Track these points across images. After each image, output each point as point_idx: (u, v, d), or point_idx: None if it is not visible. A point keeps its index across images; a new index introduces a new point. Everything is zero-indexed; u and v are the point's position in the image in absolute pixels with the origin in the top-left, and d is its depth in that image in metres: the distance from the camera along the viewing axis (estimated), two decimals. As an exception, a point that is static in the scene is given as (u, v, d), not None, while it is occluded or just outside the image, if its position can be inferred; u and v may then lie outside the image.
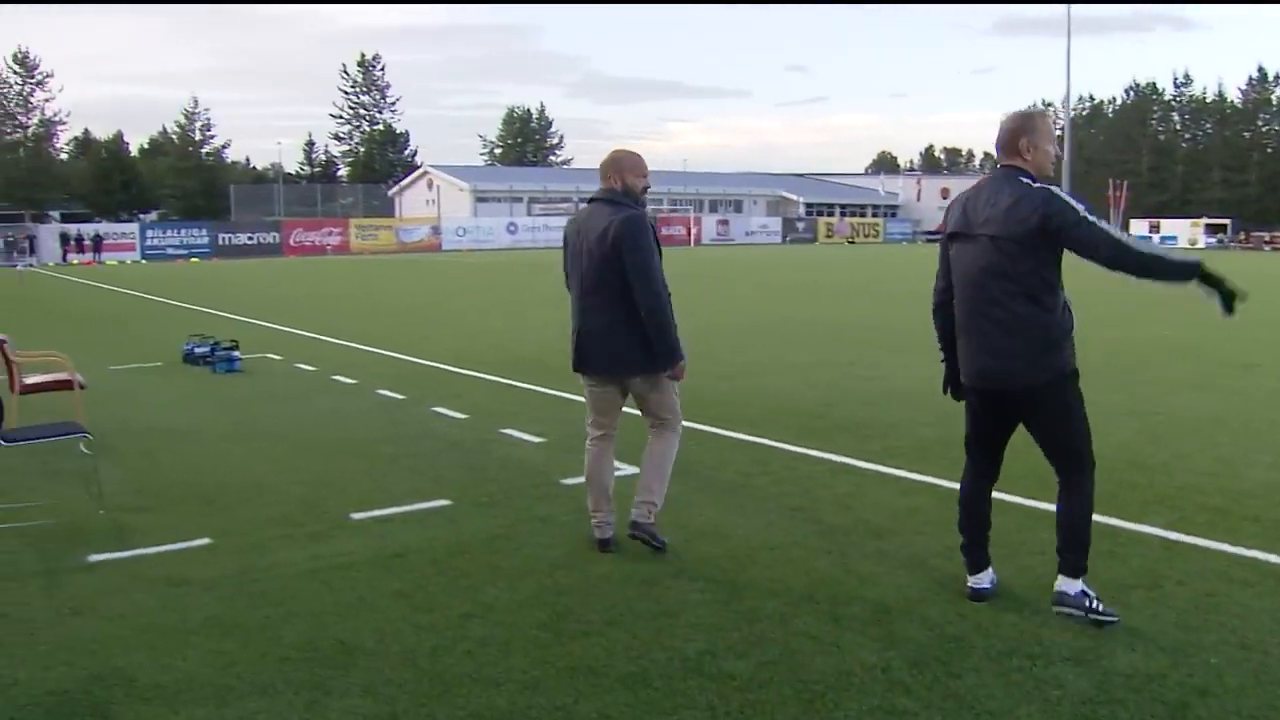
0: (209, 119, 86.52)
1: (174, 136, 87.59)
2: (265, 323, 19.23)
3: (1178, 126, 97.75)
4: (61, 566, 5.66)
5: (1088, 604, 4.71)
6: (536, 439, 8.54)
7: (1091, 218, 4.59)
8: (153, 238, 58.82)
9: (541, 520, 6.34)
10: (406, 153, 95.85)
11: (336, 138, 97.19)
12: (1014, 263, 4.60)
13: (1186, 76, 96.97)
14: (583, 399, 6.11)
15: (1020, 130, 4.76)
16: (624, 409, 5.99)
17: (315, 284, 32.37)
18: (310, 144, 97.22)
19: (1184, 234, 70.19)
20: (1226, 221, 71.54)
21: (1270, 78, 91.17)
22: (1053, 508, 6.30)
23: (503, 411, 9.85)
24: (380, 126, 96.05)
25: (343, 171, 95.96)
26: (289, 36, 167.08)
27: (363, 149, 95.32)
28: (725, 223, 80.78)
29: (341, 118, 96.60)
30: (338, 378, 12.20)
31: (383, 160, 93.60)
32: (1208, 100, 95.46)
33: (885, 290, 25.85)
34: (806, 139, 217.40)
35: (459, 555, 5.73)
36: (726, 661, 4.33)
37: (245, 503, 6.84)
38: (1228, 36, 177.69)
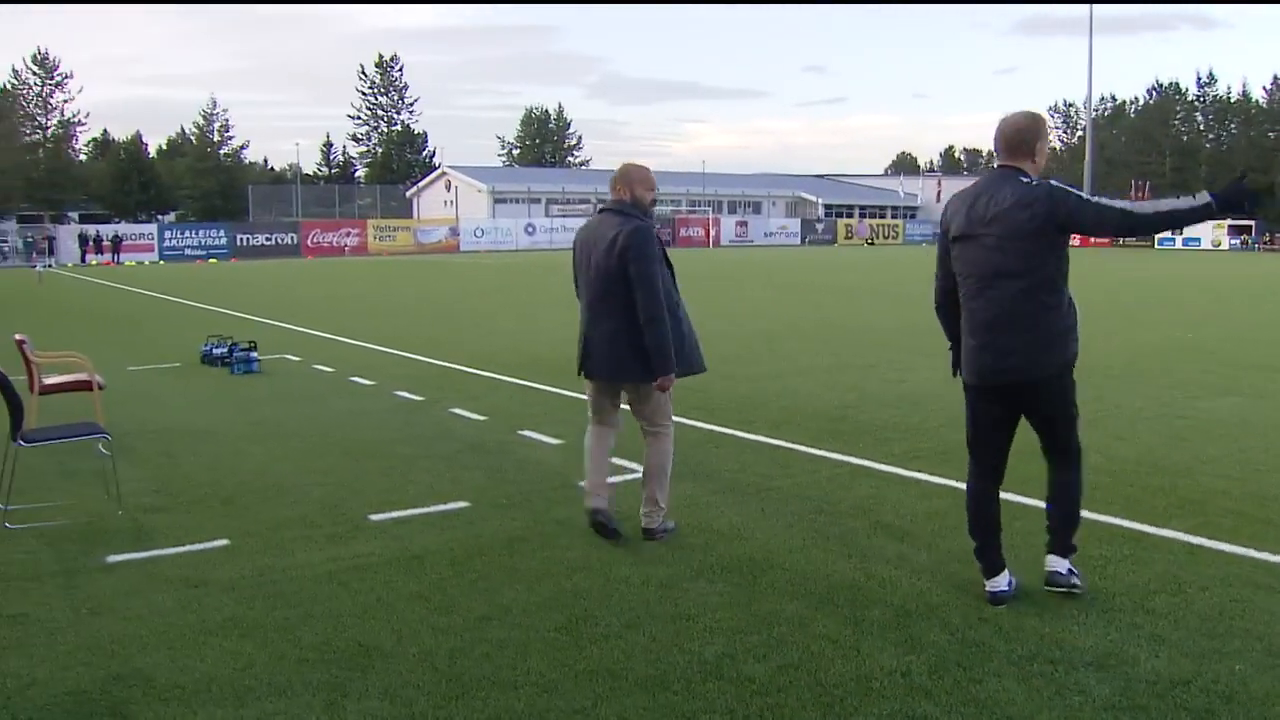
0: (227, 120, 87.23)
1: (192, 137, 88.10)
2: (283, 324, 19.29)
3: (1201, 127, 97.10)
4: (80, 567, 5.67)
5: (1074, 581, 4.96)
6: (555, 441, 8.53)
7: (1094, 198, 4.73)
8: (171, 238, 59.21)
9: (560, 522, 6.33)
10: (425, 154, 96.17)
11: (354, 138, 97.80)
12: (1024, 261, 4.68)
13: (1210, 76, 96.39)
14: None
15: (1036, 133, 4.88)
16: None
17: (333, 285, 32.48)
18: (328, 145, 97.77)
19: (1208, 235, 69.70)
20: (1251, 223, 70.99)
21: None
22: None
23: (521, 413, 9.84)
24: (398, 127, 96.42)
25: (360, 172, 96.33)
26: (307, 37, 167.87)
27: (380, 150, 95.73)
28: (744, 224, 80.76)
29: (359, 118, 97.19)
30: (356, 379, 12.21)
31: (401, 161, 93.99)
32: (1232, 100, 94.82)
33: (906, 292, 25.75)
34: (825, 140, 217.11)
35: (477, 557, 5.72)
36: (746, 665, 4.31)
37: (264, 504, 6.85)
38: (1252, 36, 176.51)
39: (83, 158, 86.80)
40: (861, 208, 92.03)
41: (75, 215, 75.47)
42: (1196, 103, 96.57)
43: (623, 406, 6.14)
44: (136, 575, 5.50)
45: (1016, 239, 4.67)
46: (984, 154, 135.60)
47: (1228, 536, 5.83)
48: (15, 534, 6.25)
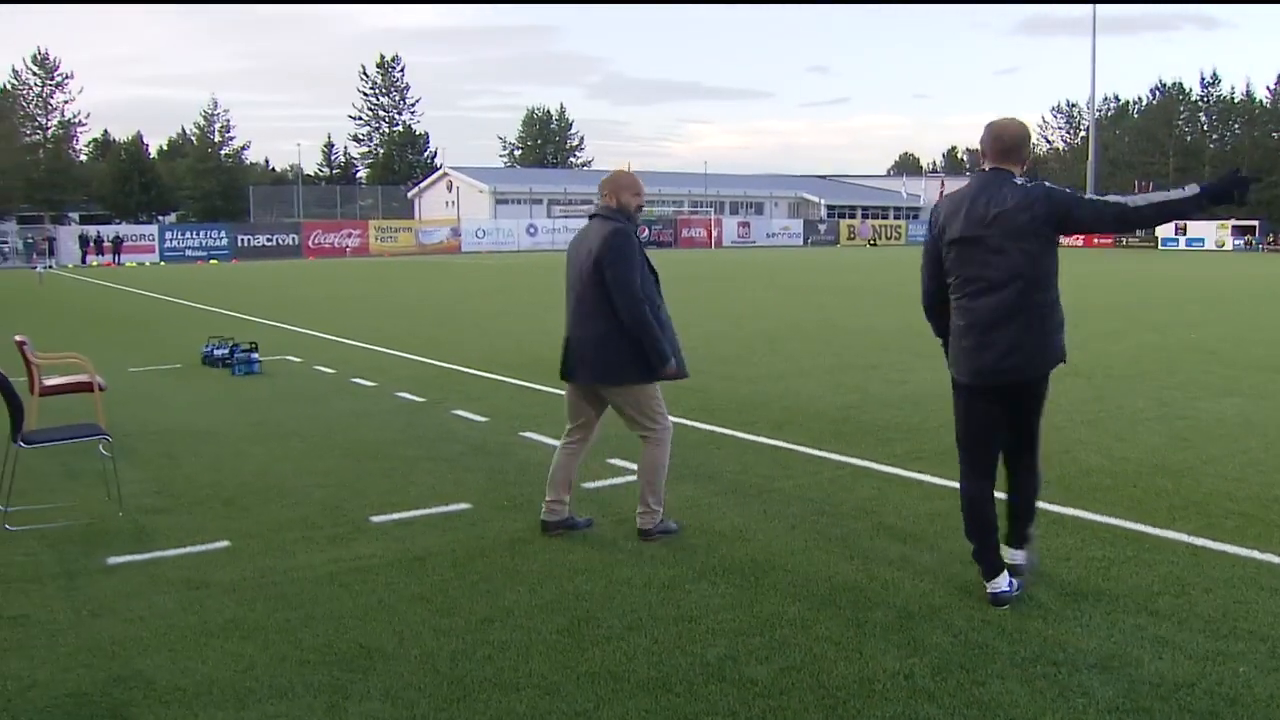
0: (228, 120, 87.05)
1: (193, 138, 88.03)
2: (285, 325, 19.29)
3: (1204, 127, 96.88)
4: (81, 568, 5.67)
5: (1032, 565, 5.21)
6: (557, 442, 8.43)
7: (1088, 196, 4.93)
8: (172, 239, 59.20)
9: (562, 524, 6.31)
10: (426, 154, 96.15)
11: (356, 139, 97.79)
12: (1026, 261, 4.78)
13: (1214, 76, 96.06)
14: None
15: (1028, 140, 5.07)
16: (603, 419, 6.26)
17: (335, 286, 32.48)
18: (330, 145, 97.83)
19: (1211, 236, 69.56)
20: (1255, 223, 70.86)
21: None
22: (1081, 514, 6.37)
23: (523, 414, 9.83)
24: (400, 128, 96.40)
25: (362, 173, 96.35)
26: (308, 37, 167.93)
27: (382, 150, 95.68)
28: (746, 225, 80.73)
29: (361, 119, 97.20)
30: (357, 380, 12.21)
31: (402, 162, 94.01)
32: (1235, 100, 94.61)
33: (908, 293, 25.63)
34: (828, 140, 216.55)
35: (479, 559, 5.72)
36: (748, 667, 4.30)
37: (265, 505, 6.84)
38: (1256, 36, 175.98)
39: (83, 158, 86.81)
40: (864, 208, 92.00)
41: (76, 216, 75.47)
42: (1200, 103, 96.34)
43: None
44: (137, 577, 5.50)
45: (1019, 239, 4.75)
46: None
47: (1231, 538, 5.82)
48: (16, 535, 6.24)
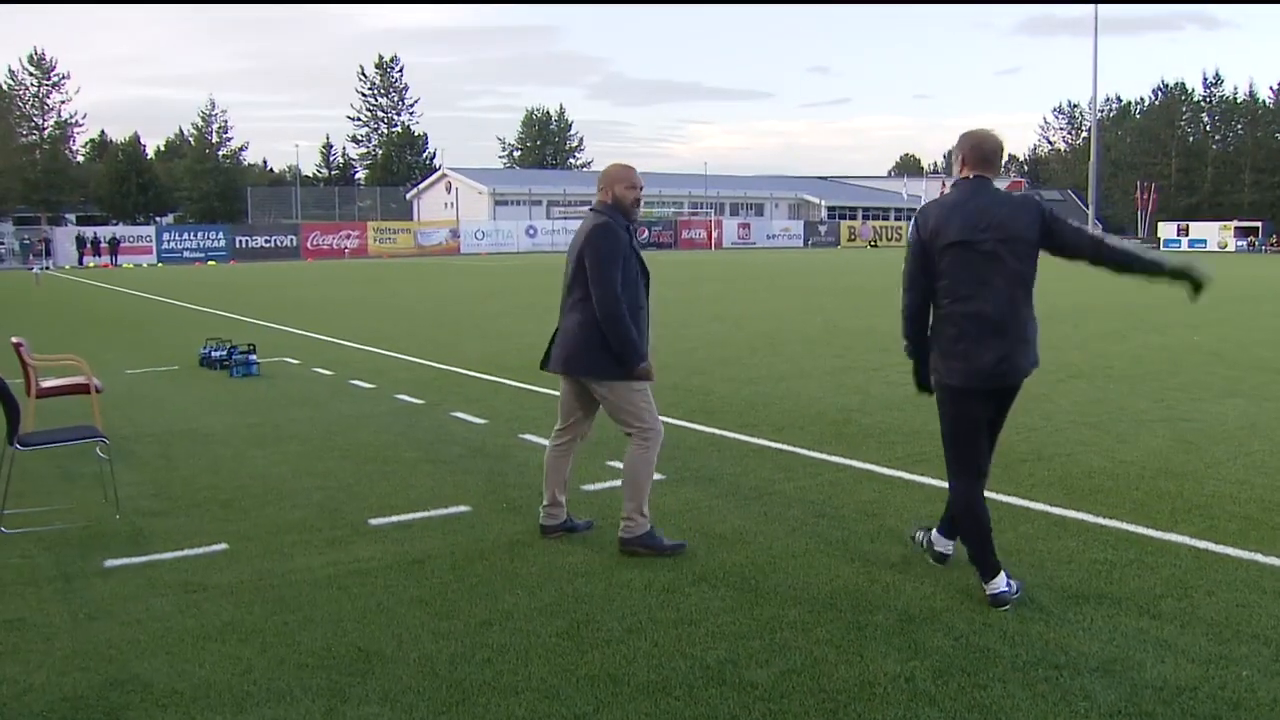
0: (226, 121, 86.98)
1: (191, 139, 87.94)
2: (283, 326, 19.27)
3: (1207, 128, 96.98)
4: (78, 571, 5.64)
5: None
6: (549, 444, 8.46)
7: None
8: (169, 240, 59.17)
9: (561, 526, 6.29)
10: (425, 155, 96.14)
11: (354, 140, 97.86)
12: (1020, 266, 4.92)
13: (1216, 76, 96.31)
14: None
15: (1004, 149, 5.22)
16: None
17: (333, 287, 32.46)
18: (328, 146, 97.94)
19: (1214, 237, 69.57)
20: (1258, 225, 70.91)
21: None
22: (1083, 516, 6.40)
23: (522, 416, 9.81)
24: (398, 129, 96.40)
25: (360, 174, 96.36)
26: (307, 38, 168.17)
27: (381, 151, 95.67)
28: (746, 226, 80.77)
29: (359, 120, 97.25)
30: (356, 382, 12.18)
31: (401, 163, 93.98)
32: (1238, 101, 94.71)
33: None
34: (830, 141, 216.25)
35: (478, 561, 5.70)
36: (748, 670, 4.29)
37: (263, 507, 6.81)
38: (1259, 36, 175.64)
39: (80, 159, 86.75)
40: (865, 209, 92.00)
41: (73, 217, 75.41)
42: (1203, 103, 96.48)
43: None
44: (135, 580, 5.47)
45: (1014, 244, 4.88)
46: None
47: (1235, 541, 5.80)
48: (12, 538, 6.21)
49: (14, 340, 8.51)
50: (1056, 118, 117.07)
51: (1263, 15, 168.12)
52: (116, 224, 65.40)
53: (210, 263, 56.03)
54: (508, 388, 11.66)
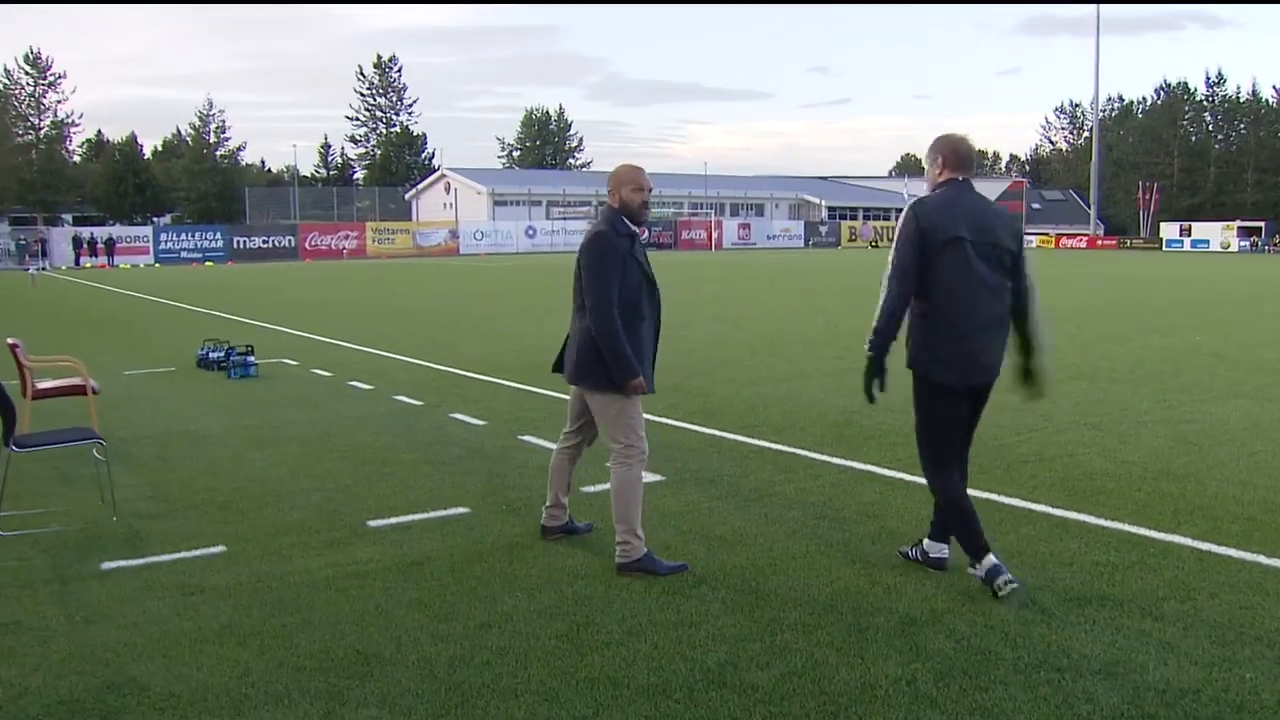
0: (224, 121, 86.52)
1: (189, 138, 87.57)
2: (281, 327, 19.25)
3: (1210, 127, 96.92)
4: (75, 574, 5.62)
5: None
6: (556, 446, 8.44)
7: None
8: (167, 241, 59.01)
9: (560, 528, 6.26)
10: (424, 155, 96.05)
11: (353, 140, 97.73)
12: (1006, 269, 5.12)
13: (1219, 76, 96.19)
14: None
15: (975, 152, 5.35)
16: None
17: (331, 288, 32.44)
18: (326, 146, 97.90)
19: (1216, 237, 69.50)
20: (1261, 225, 70.86)
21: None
22: (1085, 518, 6.39)
23: (522, 418, 9.79)
24: (397, 129, 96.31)
25: (359, 174, 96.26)
26: (305, 38, 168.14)
27: (379, 151, 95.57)
28: (747, 227, 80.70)
29: (358, 120, 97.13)
30: (354, 383, 12.16)
31: (399, 163, 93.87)
32: (1241, 100, 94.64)
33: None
34: (830, 141, 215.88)
35: (477, 563, 5.67)
36: (749, 673, 4.26)
37: (261, 509, 6.79)
38: (1261, 35, 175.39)
39: (77, 159, 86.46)
40: (865, 210, 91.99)
41: (69, 218, 75.25)
42: (1205, 103, 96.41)
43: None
44: (132, 582, 5.45)
45: (1004, 248, 5.09)
46: (988, 155, 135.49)
47: (1238, 543, 5.79)
48: (8, 540, 6.19)
49: (10, 341, 8.47)
50: (1058, 117, 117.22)
51: (1265, 15, 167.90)
52: (113, 224, 65.24)
53: (208, 263, 55.97)
54: (507, 389, 11.64)
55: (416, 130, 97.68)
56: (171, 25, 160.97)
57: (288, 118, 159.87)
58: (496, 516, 6.57)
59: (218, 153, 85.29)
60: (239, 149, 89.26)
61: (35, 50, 79.35)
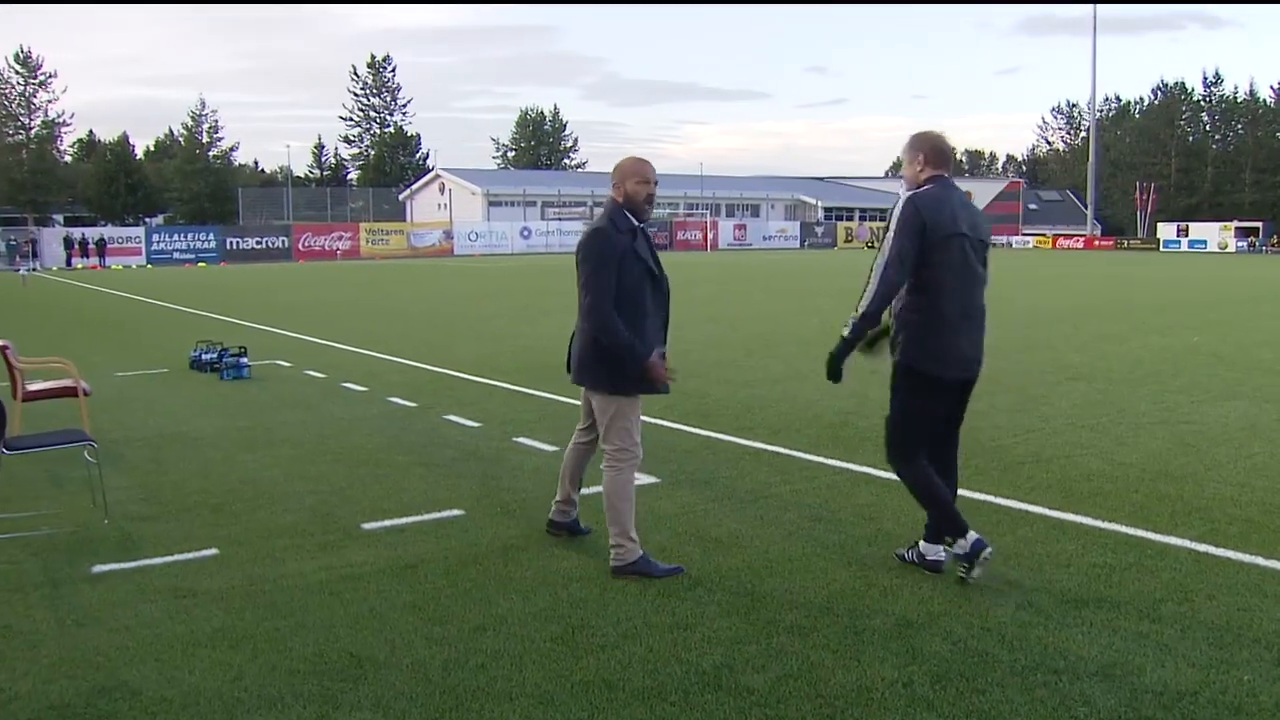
0: (217, 121, 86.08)
1: (181, 139, 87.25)
2: (274, 329, 19.20)
3: (1207, 127, 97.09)
4: (66, 577, 5.58)
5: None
6: (550, 448, 8.44)
7: None
8: (159, 242, 58.91)
9: (555, 530, 6.23)
10: (418, 156, 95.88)
11: (346, 140, 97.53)
12: (986, 267, 5.30)
13: (1217, 76, 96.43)
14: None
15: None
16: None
17: (325, 289, 32.39)
18: (320, 147, 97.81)
19: (1214, 238, 69.62)
20: (1259, 225, 70.99)
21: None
22: (1082, 519, 6.40)
23: (516, 420, 9.76)
24: (391, 129, 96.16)
25: (353, 175, 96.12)
26: (300, 37, 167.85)
27: (373, 152, 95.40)
28: (743, 227, 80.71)
29: (352, 120, 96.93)
30: (348, 385, 12.13)
31: (393, 163, 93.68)
32: (1239, 100, 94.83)
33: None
34: (827, 142, 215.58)
35: (472, 566, 5.65)
36: (745, 675, 4.25)
37: (254, 512, 6.75)
38: (1260, 35, 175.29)
39: (68, 159, 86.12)
40: (861, 210, 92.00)
41: (60, 218, 74.96)
42: (1202, 103, 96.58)
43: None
44: (124, 585, 5.41)
45: (982, 246, 5.25)
46: (985, 156, 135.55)
47: (1235, 544, 5.77)
48: None
49: (0, 343, 8.44)
50: (1055, 117, 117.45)
51: (1264, 15, 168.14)
52: (105, 225, 65.02)
53: (200, 264, 55.90)
54: (501, 390, 11.61)
55: (411, 130, 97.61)
56: (165, 25, 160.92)
57: (281, 118, 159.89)
58: (491, 519, 6.54)
59: (210, 153, 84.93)
60: (232, 149, 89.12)
61: (25, 49, 79.15)
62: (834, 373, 5.26)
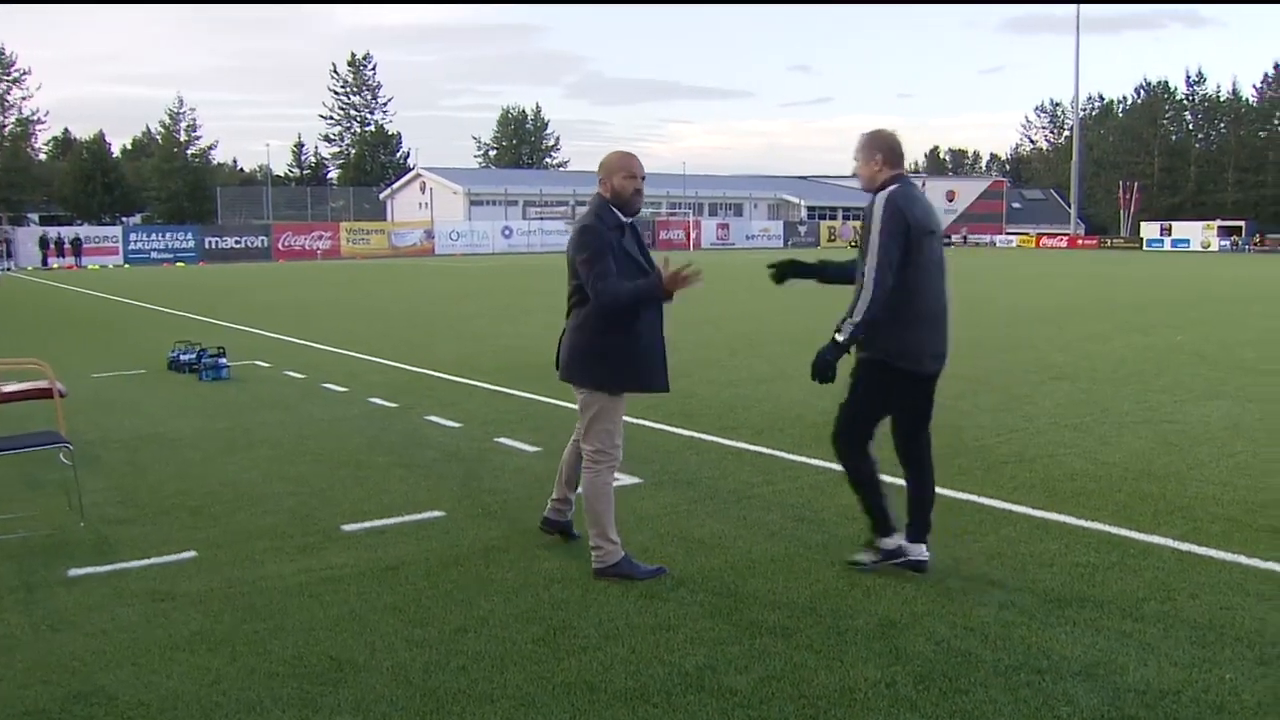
0: (195, 119, 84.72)
1: (159, 137, 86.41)
2: (253, 329, 19.10)
3: (1190, 126, 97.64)
4: (41, 581, 5.52)
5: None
6: (533, 448, 8.41)
7: None
8: (136, 241, 58.29)
9: (538, 532, 6.18)
10: (399, 155, 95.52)
11: (326, 139, 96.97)
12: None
13: (1200, 75, 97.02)
14: (576, 408, 5.97)
15: None
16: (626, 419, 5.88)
17: (305, 289, 32.24)
18: (300, 145, 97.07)
19: (1197, 237, 69.94)
20: (1241, 224, 71.41)
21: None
22: (1065, 519, 6.40)
23: (498, 420, 9.72)
24: (371, 128, 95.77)
25: (333, 174, 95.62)
26: (279, 35, 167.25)
27: (354, 151, 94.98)
28: (725, 226, 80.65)
29: (332, 118, 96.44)
30: (328, 385, 12.06)
31: (374, 162, 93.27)
32: (1221, 99, 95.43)
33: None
34: (811, 141, 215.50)
35: (453, 567, 5.61)
36: (727, 676, 4.23)
37: (233, 514, 6.70)
38: (1242, 34, 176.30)
39: (43, 157, 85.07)
40: (845, 209, 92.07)
41: (35, 217, 74.19)
42: (1185, 101, 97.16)
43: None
44: (100, 589, 5.35)
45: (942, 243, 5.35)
46: (969, 155, 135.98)
47: (1218, 543, 5.79)
48: (-25, 546, 6.09)
49: (-23, 343, 8.35)
50: (1039, 116, 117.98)
51: (1246, 13, 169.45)
52: (81, 224, 64.41)
53: (179, 264, 55.50)
54: (482, 390, 11.57)
55: (391, 129, 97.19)
56: (142, 23, 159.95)
57: (261, 116, 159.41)
58: (472, 520, 6.50)
59: (188, 151, 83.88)
60: (210, 148, 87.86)
61: (-2, 46, 78.24)
62: (829, 376, 5.20)
